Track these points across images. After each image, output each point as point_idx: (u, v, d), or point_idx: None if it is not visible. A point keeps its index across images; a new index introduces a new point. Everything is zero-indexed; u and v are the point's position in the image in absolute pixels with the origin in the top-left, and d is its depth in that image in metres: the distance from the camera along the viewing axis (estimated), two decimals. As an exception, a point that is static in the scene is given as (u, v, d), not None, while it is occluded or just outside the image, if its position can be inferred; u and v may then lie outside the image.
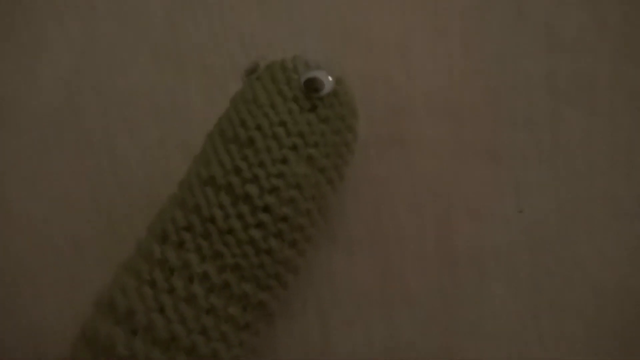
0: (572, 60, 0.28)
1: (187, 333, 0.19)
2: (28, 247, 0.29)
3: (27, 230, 0.29)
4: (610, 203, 0.25)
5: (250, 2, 0.35)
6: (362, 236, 0.26)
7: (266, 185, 0.21)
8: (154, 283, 0.20)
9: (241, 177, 0.21)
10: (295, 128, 0.22)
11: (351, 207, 0.27)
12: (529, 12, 0.30)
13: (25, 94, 0.34)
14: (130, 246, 0.27)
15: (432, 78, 0.29)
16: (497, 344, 0.23)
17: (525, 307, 0.24)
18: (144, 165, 0.30)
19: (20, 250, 0.29)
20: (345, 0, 0.34)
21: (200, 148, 0.24)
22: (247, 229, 0.20)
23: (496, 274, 0.24)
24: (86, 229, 0.29)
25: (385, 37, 0.32)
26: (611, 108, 0.27)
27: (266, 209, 0.21)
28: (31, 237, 0.29)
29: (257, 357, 0.22)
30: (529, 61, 0.29)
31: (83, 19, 0.36)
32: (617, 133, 0.26)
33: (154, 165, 0.30)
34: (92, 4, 0.36)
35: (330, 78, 0.23)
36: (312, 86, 0.23)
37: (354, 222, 0.26)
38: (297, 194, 0.21)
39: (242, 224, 0.21)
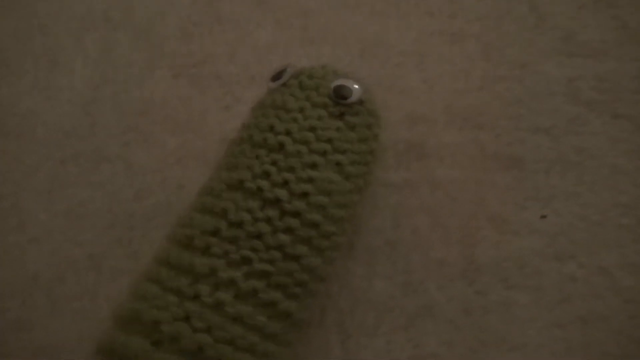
0: (593, 65, 0.28)
1: (214, 343, 0.19)
2: (43, 260, 0.29)
3: (43, 242, 0.29)
4: (636, 208, 0.24)
5: (265, 13, 0.35)
6: (380, 245, 0.26)
7: (296, 189, 0.21)
8: (179, 290, 0.19)
9: (270, 181, 0.21)
10: (325, 134, 0.22)
11: (371, 215, 0.26)
12: (549, 16, 0.30)
13: (42, 108, 0.34)
14: (146, 257, 0.27)
15: (451, 84, 0.29)
16: (524, 355, 0.23)
17: (552, 317, 0.23)
18: (160, 176, 0.30)
19: (36, 263, 0.29)
20: (360, 9, 0.34)
21: (223, 154, 0.24)
22: (276, 234, 0.20)
23: (521, 282, 0.24)
24: (102, 240, 0.29)
25: (401, 44, 0.32)
26: (635, 111, 0.26)
27: (296, 214, 0.20)
28: (47, 248, 0.29)
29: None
30: (550, 66, 0.29)
31: (99, 33, 0.36)
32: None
33: (170, 175, 0.30)
34: (107, 18, 0.36)
35: (357, 86, 0.23)
36: (340, 93, 0.22)
37: (373, 231, 0.26)
38: (326, 200, 0.21)
39: (271, 228, 0.20)
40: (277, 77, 0.24)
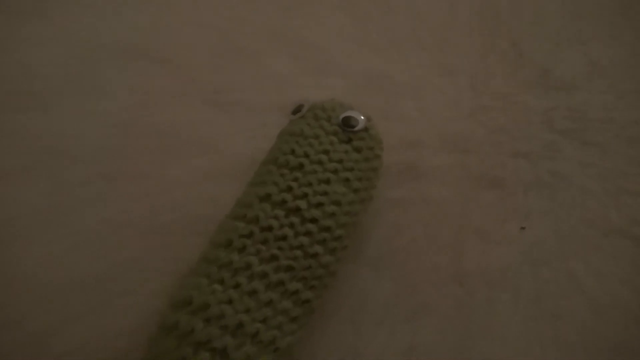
0: (566, 97, 0.32)
1: (251, 321, 0.23)
2: (90, 262, 0.33)
3: (89, 247, 0.33)
4: (602, 224, 0.28)
5: (282, 48, 0.40)
6: (383, 252, 0.30)
7: (313, 200, 0.25)
8: (222, 281, 0.24)
9: (292, 194, 0.25)
10: (335, 155, 0.26)
11: (374, 227, 0.30)
12: (528, 54, 0.35)
13: (87, 129, 0.38)
14: (183, 260, 0.31)
15: (442, 113, 0.33)
16: (503, 344, 0.27)
17: (527, 314, 0.27)
18: (191, 190, 0.35)
19: (85, 265, 0.33)
20: (364, 46, 0.39)
21: (254, 174, 0.28)
22: (298, 236, 0.25)
23: (502, 285, 0.28)
24: (142, 245, 0.33)
25: (399, 77, 0.36)
26: (603, 140, 0.31)
27: (313, 220, 0.25)
28: (93, 252, 0.33)
29: (301, 349, 0.25)
30: (528, 98, 0.33)
31: (137, 64, 0.41)
32: (607, 162, 0.30)
33: (203, 191, 0.34)
34: (144, 51, 0.41)
35: (362, 117, 0.28)
36: (348, 123, 0.27)
37: (377, 241, 0.30)
38: (337, 209, 0.25)
39: (294, 232, 0.25)
40: (296, 110, 0.29)
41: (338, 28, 0.39)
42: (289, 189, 0.26)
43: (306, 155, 0.27)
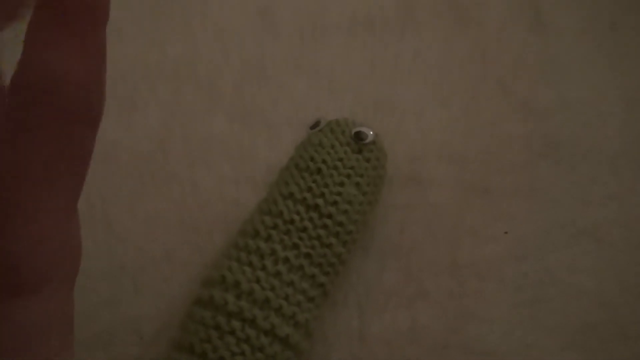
0: (542, 125, 0.38)
1: (275, 297, 0.27)
2: (128, 254, 0.37)
3: (127, 242, 0.38)
4: (571, 227, 0.34)
5: (300, 72, 0.45)
6: (388, 248, 0.35)
7: (329, 199, 0.30)
8: (251, 264, 0.28)
9: (312, 193, 0.30)
10: (349, 163, 0.31)
11: (381, 227, 0.35)
12: (511, 88, 0.41)
13: (124, 139, 0.43)
14: (208, 254, 0.36)
15: (440, 134, 0.39)
16: (490, 326, 0.31)
17: (510, 300, 0.32)
18: (219, 194, 0.39)
19: (122, 257, 0.37)
20: (375, 73, 0.45)
21: (276, 177, 0.33)
22: (316, 229, 0.29)
23: (489, 276, 0.33)
24: (174, 240, 0.37)
25: (404, 101, 0.42)
26: (572, 160, 0.36)
27: (329, 216, 0.30)
28: (131, 247, 0.37)
29: (317, 327, 0.30)
30: (511, 125, 0.39)
31: (170, 84, 0.46)
32: (575, 177, 0.36)
33: (227, 194, 0.39)
34: (176, 71, 0.46)
35: (371, 132, 0.33)
36: (359, 136, 0.32)
37: (382, 239, 0.35)
38: (349, 207, 0.30)
39: (312, 225, 0.29)
40: (314, 126, 0.35)
41: (350, 62, 0.45)
42: (309, 189, 0.30)
43: (324, 162, 0.31)
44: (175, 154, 0.42)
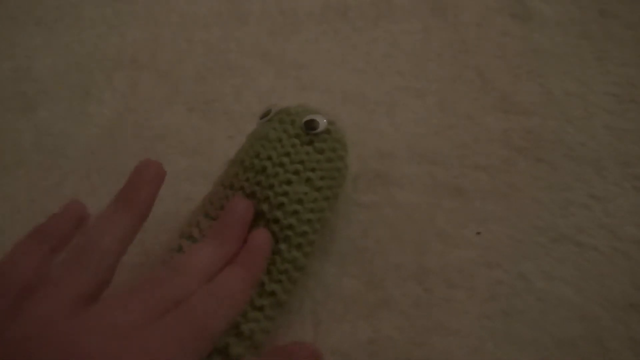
0: (523, 120, 0.35)
1: None
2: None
3: None
4: (551, 231, 0.31)
5: (267, 64, 0.43)
6: (350, 251, 0.31)
7: (274, 202, 0.27)
8: None
9: (256, 198, 0.27)
10: (297, 157, 0.28)
11: (343, 228, 0.32)
12: (491, 81, 0.38)
13: (74, 130, 0.40)
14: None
15: (413, 129, 0.36)
16: (459, 339, 0.28)
17: (481, 310, 0.29)
18: (171, 189, 0.36)
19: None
20: (344, 66, 0.42)
21: (223, 172, 0.30)
22: None
23: (459, 283, 0.30)
24: None
25: (375, 95, 0.39)
26: (552, 158, 0.33)
27: (275, 221, 0.27)
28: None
29: (268, 339, 0.26)
30: (490, 119, 0.36)
31: (126, 72, 0.43)
32: (557, 177, 0.33)
33: (180, 189, 0.36)
34: (134, 60, 0.43)
35: (324, 120, 0.30)
36: (310, 126, 0.29)
37: (344, 240, 0.32)
38: (299, 207, 0.27)
39: None
40: (264, 115, 0.32)
41: (320, 51, 0.42)
42: (253, 194, 0.28)
43: (269, 159, 0.28)
44: (127, 147, 0.39)
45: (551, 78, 0.37)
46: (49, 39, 0.46)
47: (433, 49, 0.40)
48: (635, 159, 0.33)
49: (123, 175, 0.37)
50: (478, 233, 0.31)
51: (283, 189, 0.27)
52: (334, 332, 0.29)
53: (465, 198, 0.32)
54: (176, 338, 0.20)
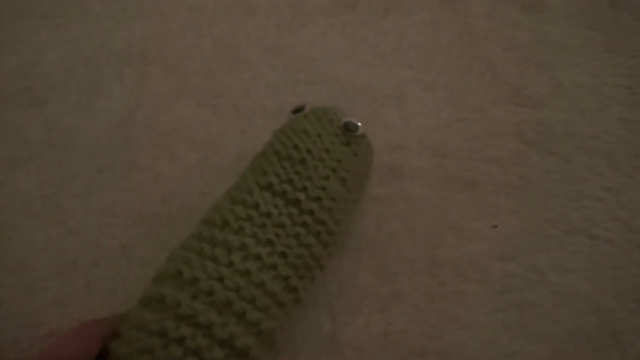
0: (534, 113, 0.35)
1: (239, 300, 0.23)
2: (81, 249, 0.34)
3: (80, 235, 0.34)
4: (564, 224, 0.31)
5: (276, 58, 0.42)
6: (364, 245, 0.32)
7: (312, 194, 0.26)
8: (215, 258, 0.24)
9: (293, 186, 0.26)
10: (335, 155, 0.28)
11: (357, 221, 0.32)
12: (502, 74, 0.38)
13: (83, 125, 0.40)
14: (170, 250, 0.32)
15: (423, 122, 0.36)
16: (472, 332, 0.28)
17: (495, 303, 0.29)
18: (183, 184, 0.36)
19: (74, 251, 0.34)
20: (353, 60, 0.42)
21: (250, 163, 0.30)
22: (295, 226, 0.26)
23: (472, 277, 0.30)
24: (132, 235, 0.34)
25: (385, 88, 0.39)
26: (564, 150, 0.33)
27: (310, 212, 0.26)
28: (84, 239, 0.34)
29: (285, 336, 0.27)
30: (501, 112, 0.36)
31: (135, 67, 0.43)
32: (569, 169, 0.33)
33: (192, 184, 0.36)
34: (142, 54, 0.43)
35: (359, 124, 0.30)
36: (349, 127, 0.29)
37: (358, 234, 0.32)
38: (333, 204, 0.27)
39: (291, 221, 0.26)
40: (297, 110, 0.31)
41: (329, 44, 0.42)
42: (290, 181, 0.27)
43: (309, 152, 0.28)
44: (138, 142, 0.39)
45: (562, 70, 0.37)
46: (55, 34, 0.46)
47: (442, 42, 0.40)
48: (647, 151, 0.33)
49: (134, 171, 0.37)
50: (495, 226, 0.31)
51: (321, 183, 0.27)
52: (350, 326, 0.29)
53: (477, 191, 0.32)
54: None
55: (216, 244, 0.25)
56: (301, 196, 0.26)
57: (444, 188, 0.33)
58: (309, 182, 0.27)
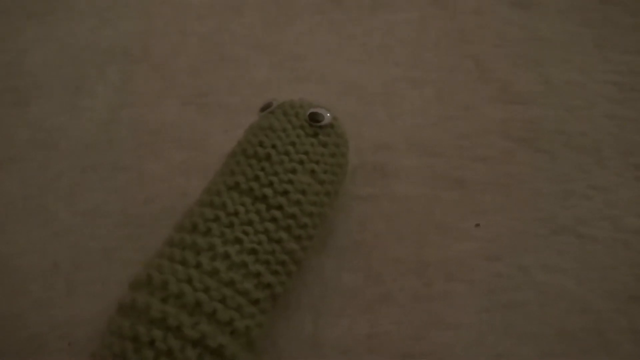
0: (523, 110, 0.35)
1: (209, 300, 0.23)
2: (63, 251, 0.33)
3: (62, 237, 0.34)
4: (551, 222, 0.30)
5: (262, 56, 0.42)
6: (348, 245, 0.31)
7: (279, 189, 0.26)
8: (184, 262, 0.24)
9: (259, 183, 0.27)
10: (302, 147, 0.28)
11: (341, 221, 0.32)
12: (490, 71, 0.37)
13: (67, 125, 0.39)
14: (153, 250, 0.32)
15: (410, 120, 0.35)
16: (458, 333, 0.28)
17: (481, 304, 0.28)
18: (167, 184, 0.36)
19: (56, 254, 0.33)
20: (340, 57, 0.41)
21: (222, 164, 0.30)
22: (263, 222, 0.26)
23: (458, 277, 0.29)
24: (115, 236, 0.34)
25: (372, 86, 0.38)
26: (552, 148, 0.33)
27: (278, 207, 0.26)
28: (67, 241, 0.34)
29: (264, 335, 0.26)
30: (488, 110, 0.35)
31: (119, 65, 0.42)
32: (557, 167, 0.32)
33: (176, 185, 0.35)
34: (127, 52, 0.43)
35: (328, 114, 0.29)
36: (314, 118, 0.29)
37: (342, 234, 0.31)
38: (302, 197, 0.27)
39: (259, 217, 0.26)
40: (265, 107, 0.31)
41: (316, 42, 0.41)
42: (256, 178, 0.27)
43: (273, 147, 0.28)
44: (121, 141, 0.38)
45: (551, 67, 0.37)
46: (41, 32, 0.45)
47: (431, 39, 0.39)
48: (636, 148, 0.32)
49: (119, 171, 0.37)
50: (477, 225, 0.30)
51: (288, 177, 0.27)
52: (333, 327, 0.29)
53: (464, 190, 0.32)
54: None
55: (185, 247, 0.25)
56: (268, 192, 0.26)
57: (431, 187, 0.32)
58: (274, 177, 0.27)
